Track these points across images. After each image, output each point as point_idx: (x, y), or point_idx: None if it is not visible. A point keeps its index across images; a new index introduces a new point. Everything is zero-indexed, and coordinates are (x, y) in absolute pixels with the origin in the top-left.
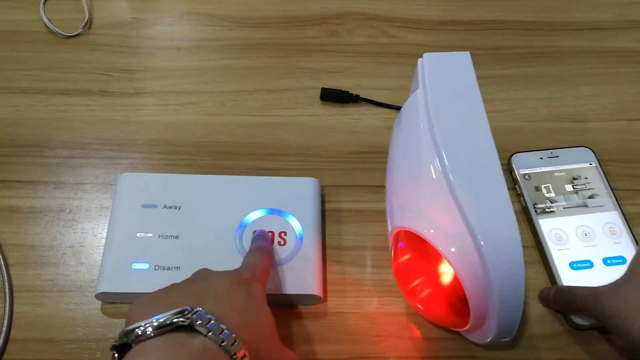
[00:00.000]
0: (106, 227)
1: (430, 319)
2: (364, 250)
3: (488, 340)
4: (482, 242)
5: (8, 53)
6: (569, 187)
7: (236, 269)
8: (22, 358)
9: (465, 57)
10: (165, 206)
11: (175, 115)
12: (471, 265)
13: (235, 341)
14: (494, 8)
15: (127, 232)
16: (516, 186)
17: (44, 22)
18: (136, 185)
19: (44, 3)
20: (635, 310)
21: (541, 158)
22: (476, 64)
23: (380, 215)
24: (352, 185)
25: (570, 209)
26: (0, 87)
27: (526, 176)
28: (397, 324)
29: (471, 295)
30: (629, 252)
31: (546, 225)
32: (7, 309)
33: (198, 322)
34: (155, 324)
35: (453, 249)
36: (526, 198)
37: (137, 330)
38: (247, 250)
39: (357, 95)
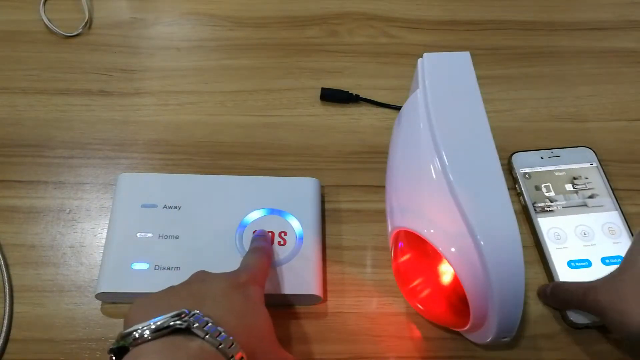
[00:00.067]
0: (106, 227)
1: (430, 319)
2: (364, 250)
3: (488, 340)
4: (482, 242)
5: (8, 53)
6: (569, 187)
7: (234, 271)
8: (22, 358)
9: (465, 57)
10: (165, 206)
11: (175, 115)
12: (471, 265)
13: (232, 344)
14: (494, 8)
15: (127, 232)
16: (516, 185)
17: (44, 22)
18: (136, 185)
19: (44, 3)
20: (630, 301)
21: (542, 157)
22: (476, 64)
23: (380, 215)
24: (352, 185)
25: (570, 208)
26: (0, 87)
27: (526, 175)
28: (397, 324)
29: (471, 295)
30: None
31: (545, 224)
32: (7, 309)
33: (195, 325)
34: (153, 326)
35: (453, 249)
36: (526, 197)
37: (134, 333)
38: (247, 250)
39: (357, 95)
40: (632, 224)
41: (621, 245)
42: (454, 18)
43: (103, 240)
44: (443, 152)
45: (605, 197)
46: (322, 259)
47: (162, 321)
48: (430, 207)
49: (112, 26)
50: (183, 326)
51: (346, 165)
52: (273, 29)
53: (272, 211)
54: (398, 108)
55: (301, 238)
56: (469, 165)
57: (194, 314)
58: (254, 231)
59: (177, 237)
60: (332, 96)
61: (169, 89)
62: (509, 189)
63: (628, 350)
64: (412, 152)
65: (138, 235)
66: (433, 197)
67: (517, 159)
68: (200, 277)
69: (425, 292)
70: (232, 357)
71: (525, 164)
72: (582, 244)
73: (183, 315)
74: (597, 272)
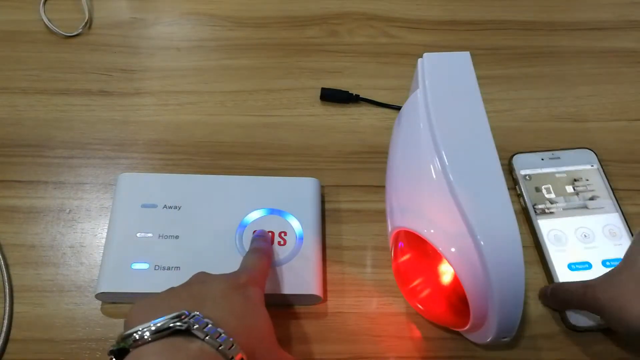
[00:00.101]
0: (106, 227)
1: (430, 319)
2: (364, 250)
3: (488, 340)
4: (482, 242)
5: (8, 53)
6: (569, 189)
7: (234, 272)
8: (22, 358)
9: (465, 57)
10: (165, 206)
11: (175, 115)
12: (471, 265)
13: (232, 345)
14: (494, 8)
15: (127, 232)
16: (516, 186)
17: (44, 22)
18: (136, 185)
19: (44, 3)
20: (629, 297)
21: (542, 159)
22: (476, 64)
23: (380, 215)
24: (352, 185)
25: (570, 210)
26: (0, 87)
27: (527, 177)
28: (397, 324)
29: (471, 295)
30: None
31: (545, 226)
32: (7, 309)
33: (195, 327)
34: (153, 328)
35: (453, 249)
36: (526, 198)
37: (134, 335)
38: (247, 250)
39: (357, 95)
40: (632, 225)
41: (622, 248)
42: (454, 18)
43: (103, 240)
44: (443, 152)
45: (606, 199)
46: (322, 259)
47: (162, 323)
48: (430, 207)
49: (112, 26)
50: (183, 327)
51: (346, 165)
52: (273, 29)
53: (272, 211)
54: (398, 108)
55: (301, 238)
56: (469, 165)
57: (194, 316)
58: (254, 231)
59: (177, 237)
60: (332, 96)
61: (169, 89)
62: (508, 189)
63: (630, 343)
64: (412, 152)
65: (138, 235)
66: (433, 197)
67: (517, 160)
68: (201, 279)
69: (425, 292)
70: (232, 358)
71: (526, 166)
72: (582, 246)
73: (183, 317)
74: (597, 274)
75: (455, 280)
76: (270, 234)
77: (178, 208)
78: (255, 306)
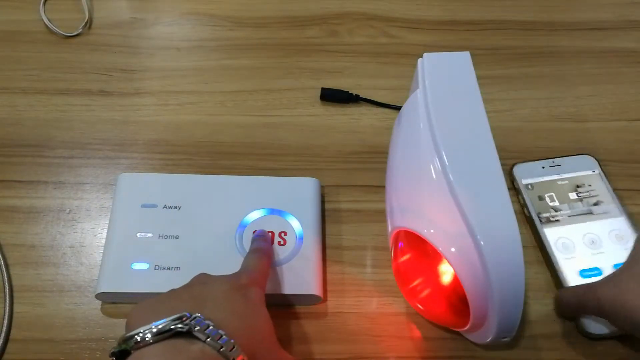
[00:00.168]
0: (106, 227)
1: (430, 319)
2: (364, 250)
3: (488, 340)
4: (482, 242)
5: (8, 53)
6: (572, 195)
7: (235, 273)
8: (22, 358)
9: (465, 57)
10: (165, 206)
11: (175, 115)
12: (471, 265)
13: (233, 347)
14: (494, 8)
15: (127, 232)
16: (519, 197)
17: (44, 22)
18: (136, 185)
19: (44, 3)
20: (631, 294)
21: (543, 167)
22: (476, 64)
23: (380, 215)
24: (352, 185)
25: (576, 217)
26: (0, 87)
27: (529, 186)
28: (397, 324)
29: (471, 295)
30: None
31: (552, 235)
32: (7, 309)
33: (197, 328)
34: (154, 330)
35: (453, 249)
36: (530, 208)
37: (136, 336)
38: (247, 250)
39: (357, 95)
40: (633, 225)
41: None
42: (454, 18)
43: (103, 240)
44: (443, 152)
45: (609, 203)
46: (322, 259)
47: (163, 324)
48: (430, 207)
49: (112, 26)
50: (184, 329)
51: (346, 165)
52: (273, 29)
53: (272, 211)
54: (398, 108)
55: (301, 238)
56: (469, 165)
57: (195, 317)
58: (254, 231)
59: (177, 237)
60: (332, 96)
61: (169, 89)
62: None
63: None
64: (412, 152)
65: (138, 235)
66: (433, 197)
67: (518, 170)
68: (202, 280)
69: (425, 292)
70: (233, 359)
71: (527, 175)
72: (590, 252)
73: (184, 319)
74: None
75: (455, 280)
76: (270, 234)
77: (178, 208)
78: (255, 307)
